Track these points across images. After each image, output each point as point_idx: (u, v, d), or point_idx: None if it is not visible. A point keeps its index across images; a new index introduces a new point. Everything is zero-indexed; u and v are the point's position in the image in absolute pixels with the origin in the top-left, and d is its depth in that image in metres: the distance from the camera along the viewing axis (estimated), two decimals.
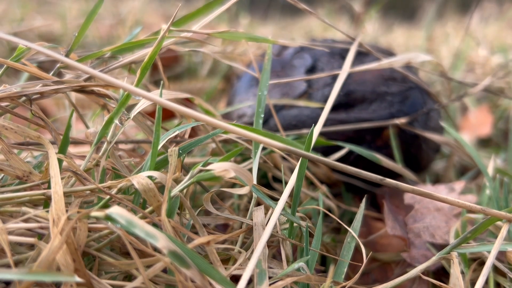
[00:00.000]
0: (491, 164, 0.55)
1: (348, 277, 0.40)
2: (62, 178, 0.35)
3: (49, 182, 0.36)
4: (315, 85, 0.57)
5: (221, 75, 1.02)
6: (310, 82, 0.58)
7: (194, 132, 0.57)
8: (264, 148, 0.50)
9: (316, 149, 0.55)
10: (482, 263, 0.45)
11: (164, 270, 0.34)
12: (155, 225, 0.33)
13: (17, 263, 0.32)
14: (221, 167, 0.32)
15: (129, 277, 0.35)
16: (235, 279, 0.31)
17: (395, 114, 0.56)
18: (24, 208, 0.34)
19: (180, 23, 0.47)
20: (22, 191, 0.36)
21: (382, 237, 0.53)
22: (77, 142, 0.44)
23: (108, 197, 0.35)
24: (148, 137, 0.46)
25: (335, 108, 0.55)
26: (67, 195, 0.36)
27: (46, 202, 0.36)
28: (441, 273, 0.47)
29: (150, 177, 0.34)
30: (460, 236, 0.39)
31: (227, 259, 0.38)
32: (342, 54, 0.59)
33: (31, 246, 0.34)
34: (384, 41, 1.58)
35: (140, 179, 0.34)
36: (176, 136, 0.44)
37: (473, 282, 0.42)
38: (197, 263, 0.29)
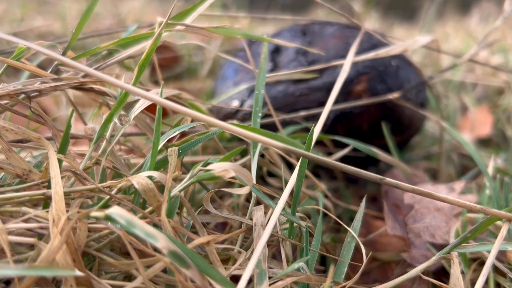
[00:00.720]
0: (491, 163, 0.55)
1: (348, 277, 0.40)
2: (62, 177, 0.35)
3: (49, 182, 0.36)
4: (280, 63, 0.60)
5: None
6: (275, 61, 0.60)
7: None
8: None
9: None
10: (482, 263, 0.45)
11: (164, 270, 0.34)
12: (155, 225, 0.33)
13: (17, 263, 0.32)
14: (221, 167, 0.32)
15: (129, 277, 0.35)
16: (235, 279, 0.31)
17: (361, 70, 0.57)
18: (24, 208, 0.34)
19: (177, 19, 0.47)
20: (22, 191, 0.36)
21: (382, 236, 0.53)
22: (76, 137, 0.44)
23: (108, 197, 0.35)
24: (147, 135, 0.46)
25: (304, 79, 0.58)
26: (67, 195, 0.36)
27: (46, 202, 0.36)
28: (441, 273, 0.46)
29: (150, 177, 0.34)
30: (460, 236, 0.39)
31: (227, 259, 0.38)
32: (303, 31, 0.62)
33: (31, 246, 0.34)
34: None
35: (140, 179, 0.34)
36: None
37: (473, 282, 0.42)
38: (197, 263, 0.29)
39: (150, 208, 0.35)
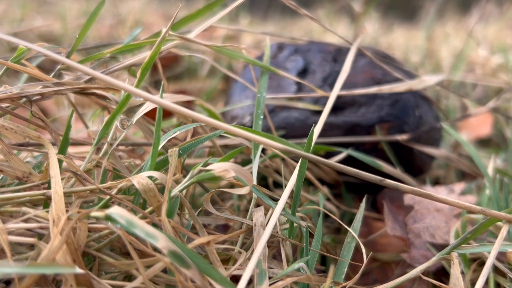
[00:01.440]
0: (491, 164, 0.55)
1: (348, 277, 0.40)
2: (62, 179, 0.35)
3: (49, 182, 0.36)
4: (305, 87, 0.57)
5: (221, 75, 1.02)
6: (300, 84, 0.58)
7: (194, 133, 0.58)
8: (263, 151, 0.50)
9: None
10: (482, 264, 0.45)
11: (164, 270, 0.34)
12: (155, 225, 0.33)
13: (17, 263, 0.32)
14: (221, 167, 0.32)
15: (129, 277, 0.35)
16: (235, 279, 0.31)
17: (384, 117, 0.56)
18: (24, 208, 0.34)
19: (180, 25, 0.47)
20: (22, 191, 0.36)
21: (382, 236, 0.53)
22: (77, 144, 0.44)
23: (108, 197, 0.35)
24: (148, 139, 0.46)
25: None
26: (67, 195, 0.36)
27: (46, 202, 0.36)
28: (441, 274, 0.47)
29: (150, 177, 0.34)
30: (460, 237, 0.39)
31: (227, 259, 0.38)
32: (335, 57, 0.60)
33: (31, 246, 0.34)
34: (384, 41, 1.58)
35: (141, 179, 0.34)
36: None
37: (473, 283, 0.42)
38: (197, 263, 0.29)
39: (150, 208, 0.35)
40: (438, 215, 0.50)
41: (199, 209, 0.41)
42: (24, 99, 0.40)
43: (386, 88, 0.55)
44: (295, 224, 0.40)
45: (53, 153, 0.36)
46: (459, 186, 0.53)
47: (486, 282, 0.42)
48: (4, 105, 0.40)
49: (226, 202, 0.53)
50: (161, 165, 0.40)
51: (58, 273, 0.30)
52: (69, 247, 0.30)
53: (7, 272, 0.27)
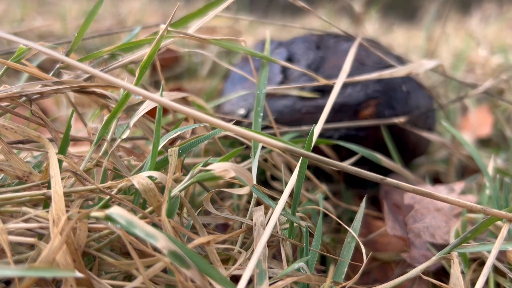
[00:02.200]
0: (491, 164, 0.55)
1: (348, 277, 0.40)
2: (62, 178, 0.35)
3: (49, 182, 0.36)
4: (290, 76, 0.58)
5: (221, 75, 1.02)
6: (285, 73, 0.59)
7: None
8: (263, 147, 0.50)
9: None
10: (482, 263, 0.45)
11: (164, 270, 0.34)
12: (155, 225, 0.33)
13: (17, 263, 0.32)
14: (221, 167, 0.32)
15: (129, 277, 0.35)
16: (235, 279, 0.31)
17: (371, 94, 0.56)
18: (24, 208, 0.34)
19: (180, 23, 0.47)
20: (22, 191, 0.36)
21: (382, 235, 0.53)
22: (77, 140, 0.44)
23: (108, 197, 0.35)
24: (148, 138, 0.46)
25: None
26: (67, 195, 0.36)
27: (46, 202, 0.36)
28: (441, 273, 0.47)
29: (150, 177, 0.34)
30: (460, 236, 0.39)
31: (227, 259, 0.38)
32: (318, 44, 0.61)
33: (31, 246, 0.34)
34: (384, 41, 1.58)
35: (140, 179, 0.34)
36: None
37: (473, 282, 0.42)
38: (197, 263, 0.29)
39: (150, 208, 0.35)
40: (438, 214, 0.50)
41: (199, 209, 0.41)
42: (23, 98, 0.40)
43: (386, 73, 0.55)
44: (295, 224, 0.40)
45: (53, 152, 0.36)
46: (459, 185, 0.53)
47: (486, 282, 0.42)
48: (4, 104, 0.40)
49: (226, 201, 0.53)
50: (161, 165, 0.40)
51: (57, 276, 0.30)
52: (69, 247, 0.30)
53: (7, 275, 0.27)
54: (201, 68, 1.12)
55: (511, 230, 0.43)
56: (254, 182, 0.39)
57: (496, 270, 0.45)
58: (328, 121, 0.55)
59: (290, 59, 0.60)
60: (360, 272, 0.37)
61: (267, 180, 0.54)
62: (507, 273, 0.41)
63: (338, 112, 0.56)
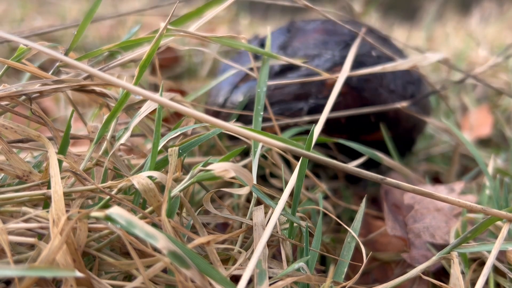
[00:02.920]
0: (491, 163, 0.55)
1: (348, 277, 0.40)
2: (62, 178, 0.35)
3: (49, 183, 0.36)
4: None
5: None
6: (258, 57, 0.58)
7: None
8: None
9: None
10: (482, 264, 0.45)
11: (164, 270, 0.34)
12: (155, 225, 0.33)
13: (17, 263, 0.32)
14: (221, 167, 0.32)
15: (129, 277, 0.35)
16: (235, 279, 0.31)
17: (338, 61, 0.56)
18: (24, 208, 0.34)
19: (179, 22, 0.47)
20: (22, 191, 0.36)
21: (382, 235, 0.53)
22: (77, 138, 0.44)
23: (108, 197, 0.35)
24: (148, 137, 0.46)
25: (281, 72, 0.57)
26: (67, 195, 0.36)
27: (46, 202, 0.36)
28: (441, 273, 0.46)
29: (150, 177, 0.34)
30: (460, 236, 0.39)
31: (227, 259, 0.38)
32: (289, 28, 0.62)
33: (31, 246, 0.34)
34: None
35: (140, 179, 0.34)
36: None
37: (473, 283, 0.42)
38: (197, 263, 0.29)
39: (150, 208, 0.35)
40: (438, 215, 0.50)
41: (199, 209, 0.41)
42: (23, 97, 0.40)
43: (389, 66, 0.54)
44: (295, 224, 0.40)
45: (53, 152, 0.36)
46: (459, 185, 0.53)
47: (486, 282, 0.42)
48: (3, 103, 0.40)
49: (225, 199, 0.53)
50: (161, 165, 0.40)
51: (57, 276, 0.30)
52: (69, 247, 0.30)
53: (7, 275, 0.27)
54: (201, 68, 1.12)
55: (511, 230, 0.43)
56: (254, 182, 0.39)
57: (496, 270, 0.45)
58: (296, 94, 0.56)
59: (262, 45, 0.61)
60: (360, 272, 0.37)
61: (266, 176, 0.54)
62: (507, 273, 0.41)
63: (305, 84, 0.56)
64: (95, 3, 0.45)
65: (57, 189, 0.32)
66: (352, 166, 0.42)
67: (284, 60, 0.51)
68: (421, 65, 0.55)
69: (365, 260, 0.37)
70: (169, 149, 0.37)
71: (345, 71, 0.52)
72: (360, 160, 0.53)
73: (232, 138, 0.58)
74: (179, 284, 0.29)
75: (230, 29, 1.30)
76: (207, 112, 0.62)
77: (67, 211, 0.32)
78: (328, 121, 0.54)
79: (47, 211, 0.33)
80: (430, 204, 0.51)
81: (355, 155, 0.55)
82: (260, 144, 0.42)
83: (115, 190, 0.36)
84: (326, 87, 0.56)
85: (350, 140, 0.53)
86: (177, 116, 0.67)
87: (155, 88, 0.86)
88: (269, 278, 0.34)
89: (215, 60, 1.11)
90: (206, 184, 0.47)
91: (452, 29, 1.67)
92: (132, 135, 0.49)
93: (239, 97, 0.59)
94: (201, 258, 0.30)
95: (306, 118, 0.55)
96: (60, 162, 0.36)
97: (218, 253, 0.38)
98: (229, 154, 0.41)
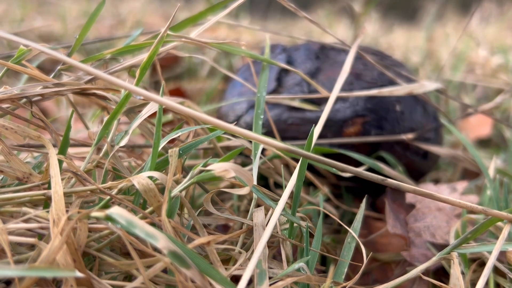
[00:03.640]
0: (492, 164, 0.55)
1: (348, 277, 0.40)
2: (62, 179, 0.35)
3: (49, 183, 0.36)
4: (285, 84, 0.57)
5: (221, 75, 1.02)
6: (280, 81, 0.58)
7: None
8: (263, 153, 0.50)
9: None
10: (482, 264, 0.45)
11: (164, 270, 0.34)
12: (155, 225, 0.33)
13: (18, 263, 0.32)
14: (221, 168, 0.32)
15: (129, 277, 0.35)
16: (235, 279, 0.31)
17: (359, 111, 0.54)
18: (24, 209, 0.34)
19: (181, 27, 0.47)
20: (22, 192, 0.36)
21: (382, 236, 0.53)
22: (77, 145, 0.44)
23: (108, 197, 0.35)
24: (148, 140, 0.46)
25: (300, 108, 0.55)
26: (67, 195, 0.36)
27: (46, 202, 0.36)
28: (441, 273, 0.47)
29: (150, 178, 0.34)
30: (460, 236, 0.39)
31: (227, 260, 0.38)
32: (317, 54, 0.59)
33: (32, 246, 0.34)
34: (384, 41, 1.58)
35: (141, 180, 0.34)
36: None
37: (473, 283, 0.42)
38: (197, 263, 0.29)
39: (150, 209, 0.35)
40: (440, 214, 0.50)
41: (199, 209, 0.41)
42: (24, 100, 0.40)
43: (386, 91, 0.53)
44: (295, 224, 0.40)
45: (53, 153, 0.36)
46: (462, 185, 0.53)
47: (486, 283, 0.42)
48: (4, 105, 0.40)
49: (226, 202, 0.53)
50: (162, 166, 0.40)
51: (57, 276, 0.30)
52: (69, 247, 0.30)
53: (8, 275, 0.27)
54: (201, 69, 1.12)
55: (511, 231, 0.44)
56: (255, 182, 0.39)
57: (496, 270, 0.45)
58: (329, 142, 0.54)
59: (289, 63, 0.59)
60: (360, 272, 0.37)
61: (270, 187, 0.54)
62: (507, 273, 0.41)
63: (323, 127, 0.53)
64: (98, 6, 0.45)
65: (57, 189, 0.32)
66: (356, 172, 0.42)
67: (298, 75, 0.50)
68: (417, 93, 0.54)
69: (365, 261, 0.37)
70: (170, 150, 0.37)
71: (342, 79, 0.51)
72: (362, 168, 0.52)
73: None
74: (179, 284, 0.30)
75: (230, 30, 1.30)
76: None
77: (67, 211, 0.32)
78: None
79: (47, 211, 0.33)
80: (432, 204, 0.51)
81: (357, 180, 0.54)
82: (260, 147, 0.42)
83: (115, 191, 0.36)
84: (342, 136, 0.54)
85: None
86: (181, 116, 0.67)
87: (155, 86, 0.86)
88: (269, 278, 0.34)
89: (215, 60, 1.11)
90: (206, 187, 0.47)
91: (452, 29, 1.67)
92: (134, 146, 0.49)
93: (251, 120, 0.56)
94: (201, 258, 0.30)
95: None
96: (60, 162, 0.36)
97: (219, 254, 0.38)
98: (229, 155, 0.41)
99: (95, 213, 0.30)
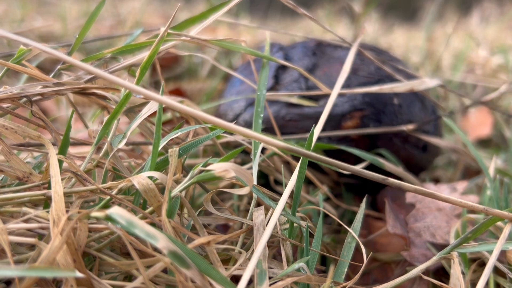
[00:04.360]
0: (492, 164, 0.55)
1: (348, 277, 0.40)
2: (62, 179, 0.35)
3: (49, 183, 0.36)
4: (282, 81, 0.57)
5: (221, 75, 1.02)
6: (277, 79, 0.58)
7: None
8: (262, 151, 0.50)
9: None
10: (482, 264, 0.45)
11: (165, 271, 0.34)
12: (155, 225, 0.33)
13: (18, 263, 0.32)
14: (221, 168, 0.32)
15: (129, 278, 0.35)
16: (236, 279, 0.31)
17: (357, 106, 0.54)
18: (24, 209, 0.34)
19: (181, 27, 0.47)
20: (23, 192, 0.36)
21: (382, 236, 0.53)
22: (77, 144, 0.44)
23: (108, 197, 0.35)
24: (148, 139, 0.46)
25: (299, 104, 0.55)
26: (67, 195, 0.36)
27: (46, 202, 0.36)
28: (441, 273, 0.47)
29: (150, 178, 0.34)
30: (461, 236, 0.39)
31: (227, 260, 0.38)
32: (314, 51, 0.60)
33: (32, 247, 0.34)
34: (384, 41, 1.58)
35: (141, 180, 0.34)
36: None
37: (473, 283, 0.42)
38: (197, 263, 0.29)
39: (150, 209, 0.35)
40: (440, 214, 0.50)
41: (199, 209, 0.41)
42: (24, 99, 0.40)
43: (386, 88, 0.53)
44: (295, 224, 0.40)
45: (53, 152, 0.36)
46: (462, 185, 0.53)
47: (487, 283, 0.42)
48: (4, 105, 0.40)
49: (226, 202, 0.53)
50: (162, 165, 0.40)
51: (57, 277, 0.30)
52: (69, 247, 0.30)
53: (8, 275, 0.27)
54: (201, 69, 1.12)
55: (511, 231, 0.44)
56: (255, 182, 0.39)
57: (496, 270, 0.45)
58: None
59: (287, 59, 0.60)
60: (360, 272, 0.37)
61: (270, 184, 0.53)
62: (507, 273, 0.41)
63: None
64: (98, 6, 0.45)
65: (57, 189, 0.32)
66: (356, 170, 0.42)
67: (295, 72, 0.51)
68: (418, 89, 0.54)
69: (365, 261, 0.37)
70: (170, 150, 0.37)
71: (341, 80, 0.50)
72: (362, 165, 0.52)
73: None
74: (179, 284, 0.29)
75: (230, 30, 1.30)
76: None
77: (67, 211, 0.32)
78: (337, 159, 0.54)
79: (47, 212, 0.33)
80: (432, 204, 0.51)
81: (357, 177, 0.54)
82: (260, 146, 0.42)
83: (115, 191, 0.36)
84: (341, 128, 0.54)
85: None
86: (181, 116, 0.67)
87: (155, 86, 0.86)
88: (269, 278, 0.34)
89: (215, 60, 1.11)
90: (206, 187, 0.47)
91: (452, 29, 1.67)
92: (134, 144, 0.49)
93: (252, 116, 0.56)
94: (201, 258, 0.30)
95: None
96: (60, 162, 0.36)
97: (219, 254, 0.38)
98: (229, 154, 0.41)
99: (95, 213, 0.30)
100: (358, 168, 0.35)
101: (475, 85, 1.12)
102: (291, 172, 0.52)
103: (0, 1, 1.52)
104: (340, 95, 0.54)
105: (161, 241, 0.28)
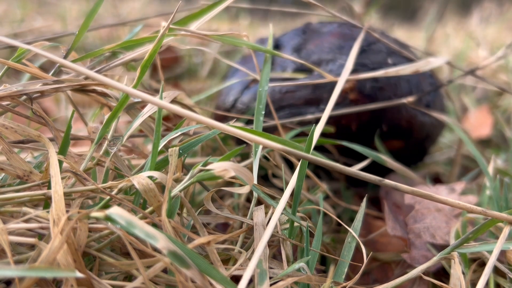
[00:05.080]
0: (491, 164, 0.55)
1: (348, 277, 0.40)
2: (62, 178, 0.35)
3: (49, 183, 0.36)
4: (277, 60, 0.59)
5: (221, 75, 1.02)
6: (272, 58, 0.58)
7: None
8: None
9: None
10: (482, 264, 0.45)
11: (165, 270, 0.34)
12: (155, 225, 0.33)
13: (18, 263, 0.32)
14: (221, 167, 0.32)
15: (129, 278, 0.35)
16: (236, 279, 0.31)
17: (353, 68, 0.54)
18: (24, 208, 0.34)
19: (182, 23, 0.47)
20: (23, 191, 0.36)
21: (382, 235, 0.53)
22: (77, 138, 0.44)
23: (108, 197, 0.35)
24: (149, 137, 0.46)
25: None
26: (67, 195, 0.36)
27: (46, 202, 0.36)
28: (441, 274, 0.47)
29: (150, 177, 0.34)
30: (461, 237, 0.39)
31: (227, 259, 0.38)
32: (304, 30, 0.61)
33: (32, 247, 0.34)
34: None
35: (141, 179, 0.34)
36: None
37: (473, 283, 0.42)
38: (198, 263, 0.29)
39: (150, 209, 0.35)
40: (439, 215, 0.50)
41: (199, 209, 0.41)
42: (24, 97, 0.40)
43: (392, 71, 0.53)
44: (295, 224, 0.40)
45: (53, 152, 0.36)
46: (460, 186, 0.53)
47: (487, 283, 0.42)
48: (4, 103, 0.40)
49: (225, 199, 0.53)
50: (162, 165, 0.40)
51: (57, 277, 0.30)
52: (69, 247, 0.30)
53: (8, 275, 0.27)
54: (201, 69, 1.12)
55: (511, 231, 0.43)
56: (255, 181, 0.39)
57: (496, 270, 0.45)
58: (308, 98, 0.55)
59: (277, 46, 0.61)
60: (360, 272, 0.37)
61: (268, 176, 0.53)
62: (507, 273, 0.41)
63: (317, 89, 0.55)
64: (96, 4, 0.45)
65: (57, 189, 0.32)
66: (353, 168, 0.42)
67: (285, 57, 0.51)
68: (424, 70, 0.54)
69: (365, 260, 0.37)
70: (170, 149, 0.37)
71: (348, 69, 0.51)
72: (363, 163, 0.52)
73: (241, 142, 0.57)
74: (180, 284, 0.29)
75: (230, 30, 1.30)
76: (215, 115, 0.62)
77: (67, 211, 0.32)
78: (338, 127, 0.54)
79: (48, 211, 0.33)
80: (431, 204, 0.51)
81: (358, 157, 0.54)
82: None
83: (115, 190, 0.36)
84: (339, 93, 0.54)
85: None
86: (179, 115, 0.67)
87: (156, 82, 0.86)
88: (270, 278, 0.34)
89: (215, 60, 1.11)
90: (206, 185, 0.47)
91: (452, 30, 1.67)
92: (133, 136, 0.49)
93: (249, 97, 0.58)
94: (201, 258, 0.30)
95: (310, 116, 0.54)
96: (60, 162, 0.36)
97: (219, 253, 0.38)
98: (229, 154, 0.41)
99: (95, 213, 0.30)
100: (355, 170, 0.35)
101: (475, 85, 1.12)
102: (290, 165, 0.52)
103: (0, 1, 1.52)
104: (332, 61, 0.55)
105: (161, 241, 0.28)
